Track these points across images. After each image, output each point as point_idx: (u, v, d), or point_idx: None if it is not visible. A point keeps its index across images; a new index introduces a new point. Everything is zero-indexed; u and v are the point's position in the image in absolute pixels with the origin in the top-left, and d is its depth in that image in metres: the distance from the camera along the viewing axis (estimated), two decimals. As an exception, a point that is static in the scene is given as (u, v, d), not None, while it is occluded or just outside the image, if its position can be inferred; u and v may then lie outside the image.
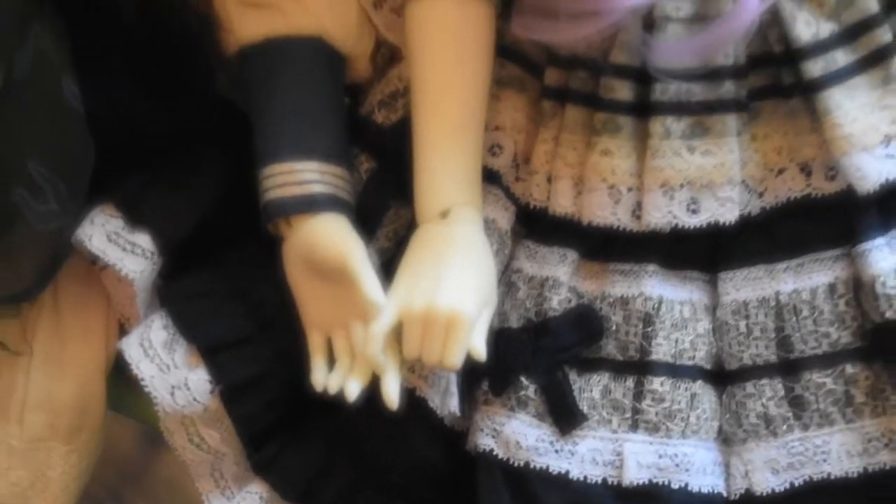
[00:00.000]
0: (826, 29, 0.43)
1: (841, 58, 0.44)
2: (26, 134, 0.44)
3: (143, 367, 0.50)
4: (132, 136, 0.49)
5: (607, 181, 0.45)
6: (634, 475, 0.49)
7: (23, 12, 0.46)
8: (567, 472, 0.48)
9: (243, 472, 0.53)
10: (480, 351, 0.45)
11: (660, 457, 0.49)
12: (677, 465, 0.49)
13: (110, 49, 0.49)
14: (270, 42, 0.48)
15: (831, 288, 0.49)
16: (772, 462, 0.50)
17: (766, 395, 0.49)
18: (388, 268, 0.49)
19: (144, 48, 0.49)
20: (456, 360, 0.45)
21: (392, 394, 0.45)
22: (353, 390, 0.46)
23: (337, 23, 0.49)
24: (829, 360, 0.49)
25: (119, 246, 0.51)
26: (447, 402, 0.50)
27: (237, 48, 0.48)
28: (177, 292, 0.50)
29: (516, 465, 0.49)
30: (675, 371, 0.49)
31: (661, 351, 0.48)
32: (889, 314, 0.47)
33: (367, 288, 0.45)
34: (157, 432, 0.54)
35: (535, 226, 0.50)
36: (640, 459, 0.49)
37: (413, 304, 0.45)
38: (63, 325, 0.53)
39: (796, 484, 0.49)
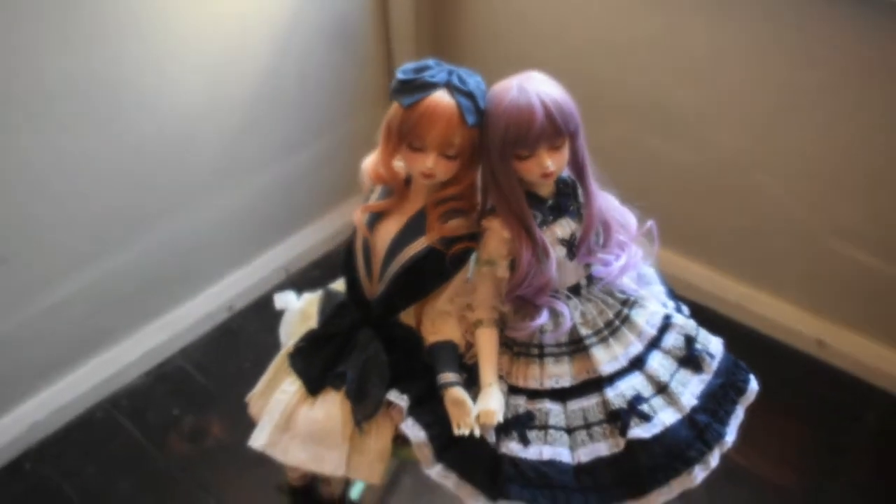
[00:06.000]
0: None
1: None
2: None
3: (412, 435, 1.15)
4: (402, 376, 1.19)
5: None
6: None
7: (367, 338, 1.19)
8: None
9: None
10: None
11: None
12: None
13: (395, 351, 1.19)
14: (436, 343, 1.18)
15: None
16: None
17: None
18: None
19: (407, 350, 1.19)
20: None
21: (475, 431, 1.12)
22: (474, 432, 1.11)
23: (459, 338, 1.18)
24: None
25: (401, 403, 1.18)
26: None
27: (427, 345, 1.19)
28: (415, 413, 1.18)
29: None
30: None
31: None
32: None
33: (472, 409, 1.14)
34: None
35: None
36: None
37: (482, 407, 1.13)
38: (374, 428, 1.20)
39: None
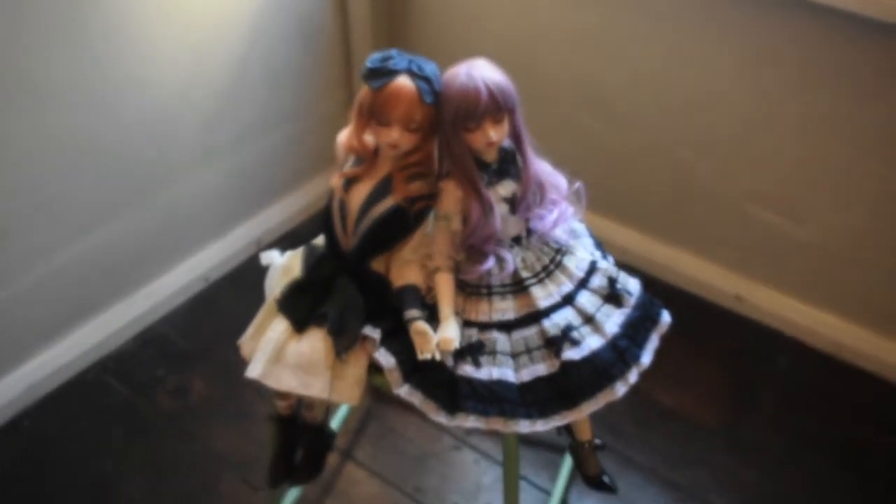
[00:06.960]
0: None
1: None
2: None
3: (384, 362, 1.30)
4: (375, 315, 1.34)
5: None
6: None
7: (345, 284, 1.35)
8: None
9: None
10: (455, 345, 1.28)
11: None
12: None
13: (368, 294, 1.34)
14: (402, 286, 1.33)
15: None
16: None
17: None
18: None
19: (378, 293, 1.34)
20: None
21: (436, 356, 1.28)
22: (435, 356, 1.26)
23: (421, 282, 1.33)
24: None
25: (374, 336, 1.33)
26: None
27: (395, 289, 1.33)
28: (386, 344, 1.32)
29: None
30: None
31: None
32: None
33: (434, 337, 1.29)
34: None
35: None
36: None
37: (441, 336, 1.28)
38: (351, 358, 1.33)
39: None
